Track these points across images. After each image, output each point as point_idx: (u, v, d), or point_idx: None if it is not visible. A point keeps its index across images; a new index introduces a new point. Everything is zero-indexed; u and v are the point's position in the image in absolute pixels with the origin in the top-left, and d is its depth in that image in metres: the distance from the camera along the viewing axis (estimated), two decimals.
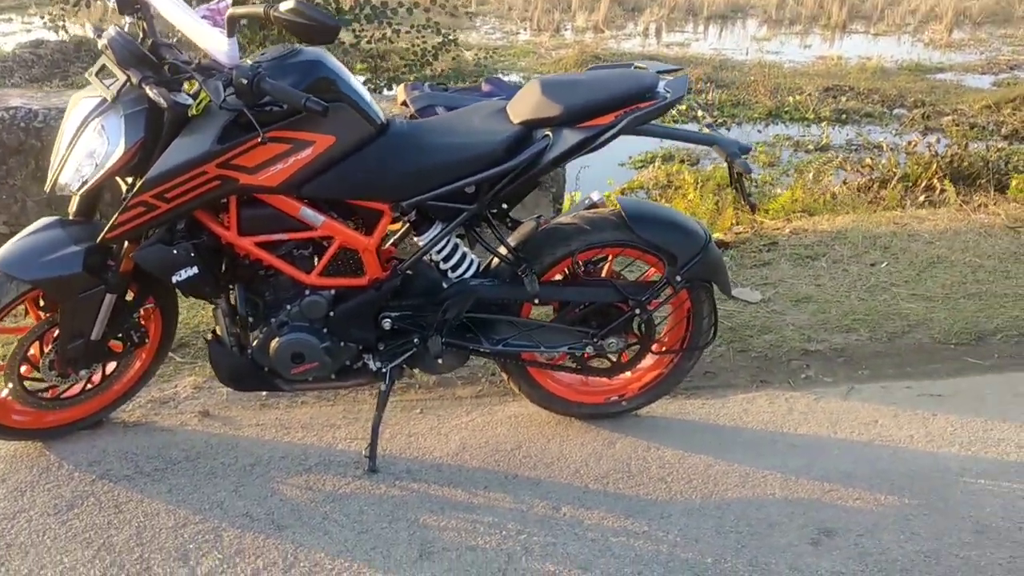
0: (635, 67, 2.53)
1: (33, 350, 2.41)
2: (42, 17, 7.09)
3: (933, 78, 11.58)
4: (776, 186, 7.12)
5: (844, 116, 9.64)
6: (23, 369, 2.41)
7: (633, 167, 7.51)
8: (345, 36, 5.89)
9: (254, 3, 2.10)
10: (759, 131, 9.28)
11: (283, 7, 1.97)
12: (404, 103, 3.99)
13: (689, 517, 2.35)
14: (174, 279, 2.28)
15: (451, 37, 5.96)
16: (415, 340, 2.49)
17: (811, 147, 8.47)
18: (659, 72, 2.45)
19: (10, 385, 2.40)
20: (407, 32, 5.82)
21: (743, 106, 10.03)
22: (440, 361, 2.53)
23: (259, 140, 2.08)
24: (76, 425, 2.58)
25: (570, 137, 2.31)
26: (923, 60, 12.79)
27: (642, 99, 2.35)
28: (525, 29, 15.23)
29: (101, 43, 2.17)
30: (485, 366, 3.02)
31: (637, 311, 2.56)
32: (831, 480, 2.52)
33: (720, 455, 2.63)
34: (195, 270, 2.29)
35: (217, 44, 2.10)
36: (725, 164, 2.50)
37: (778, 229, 4.61)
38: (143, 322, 2.55)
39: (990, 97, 10.11)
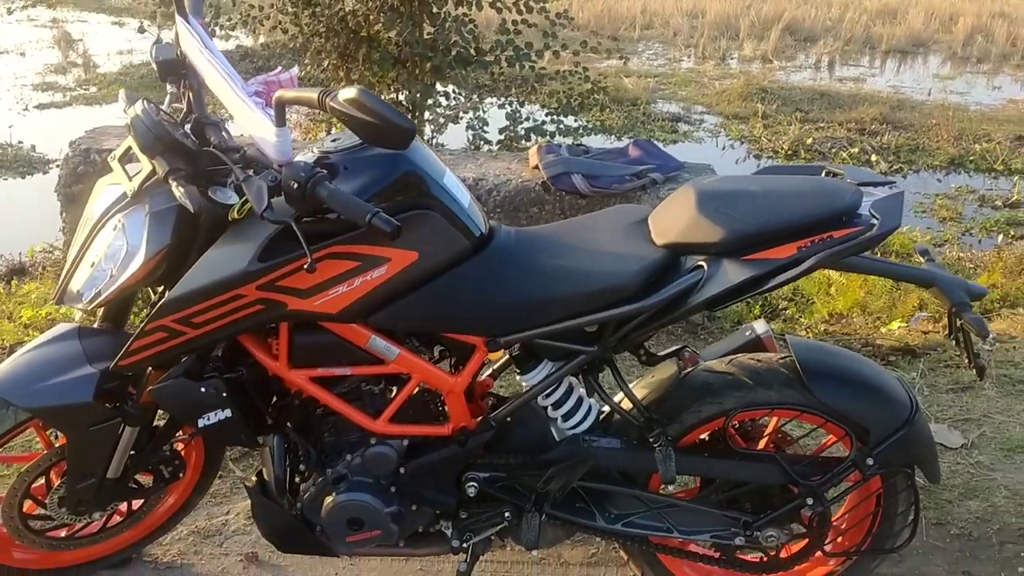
0: (826, 172, 1.87)
1: (40, 481, 1.96)
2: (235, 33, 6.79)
3: None
4: (953, 245, 6.22)
5: None
6: (26, 505, 1.97)
7: None
8: (483, 78, 5.37)
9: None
10: (939, 180, 8.31)
11: (343, 96, 1.43)
12: (536, 167, 3.46)
13: None
14: (200, 423, 1.78)
15: (600, 84, 5.33)
16: (506, 513, 1.91)
17: (999, 203, 7.47)
18: (861, 183, 1.79)
19: (7, 523, 1.96)
20: (551, 79, 5.25)
21: (922, 152, 9.04)
22: (537, 542, 1.93)
23: (305, 267, 1.54)
24: (98, 564, 2.14)
25: (732, 273, 1.67)
26: None
27: (838, 224, 1.69)
28: (689, 56, 14.47)
29: (127, 120, 1.69)
30: None
31: (808, 500, 1.89)
32: None
33: None
34: (227, 413, 1.78)
35: (265, 133, 1.59)
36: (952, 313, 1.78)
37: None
38: (180, 452, 2.07)
39: None
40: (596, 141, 7.68)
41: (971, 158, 8.78)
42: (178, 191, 1.57)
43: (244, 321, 1.69)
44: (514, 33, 4.99)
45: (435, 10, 4.91)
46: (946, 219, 7.10)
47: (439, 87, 5.28)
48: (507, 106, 5.39)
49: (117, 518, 2.10)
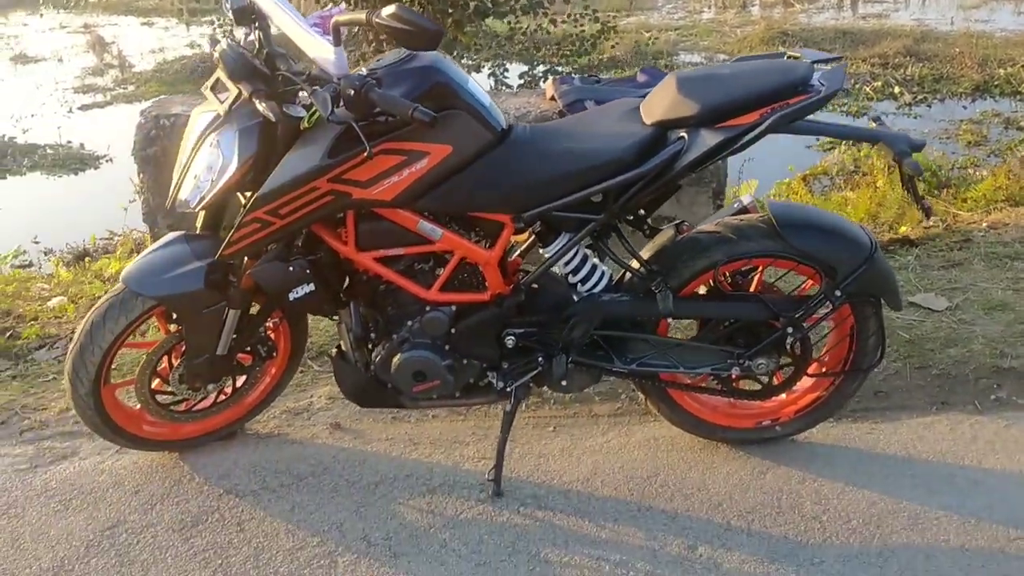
0: (788, 56, 2.25)
1: (163, 363, 2.43)
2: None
3: None
4: (981, 167, 6.46)
5: None
6: (154, 383, 2.43)
7: (821, 149, 6.95)
8: (500, 28, 5.77)
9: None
10: (964, 107, 8.48)
11: (384, 12, 1.85)
12: (552, 98, 3.85)
13: (844, 564, 2.07)
14: (291, 296, 2.22)
15: (610, 24, 5.71)
16: (539, 359, 2.33)
17: None
18: (815, 61, 2.16)
19: (140, 398, 2.43)
20: (563, 22, 5.63)
21: (946, 80, 9.19)
22: (566, 382, 2.35)
23: (365, 155, 1.97)
24: (210, 436, 2.59)
25: (708, 138, 2.06)
26: None
27: (793, 93, 2.07)
28: (709, 7, 14.68)
29: (215, 56, 2.13)
30: (626, 382, 2.81)
31: (789, 329, 2.28)
32: (1019, 526, 2.17)
33: (887, 491, 2.32)
34: (311, 287, 2.22)
35: (325, 53, 2.01)
36: (894, 164, 2.16)
37: (974, 223, 4.11)
38: (271, 335, 2.52)
39: None
40: None
41: (996, 83, 8.92)
42: (261, 106, 2.00)
43: (319, 211, 2.11)
44: None
45: None
46: (971, 143, 7.30)
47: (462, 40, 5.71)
48: (524, 52, 5.79)
49: (223, 397, 2.56)
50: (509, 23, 5.59)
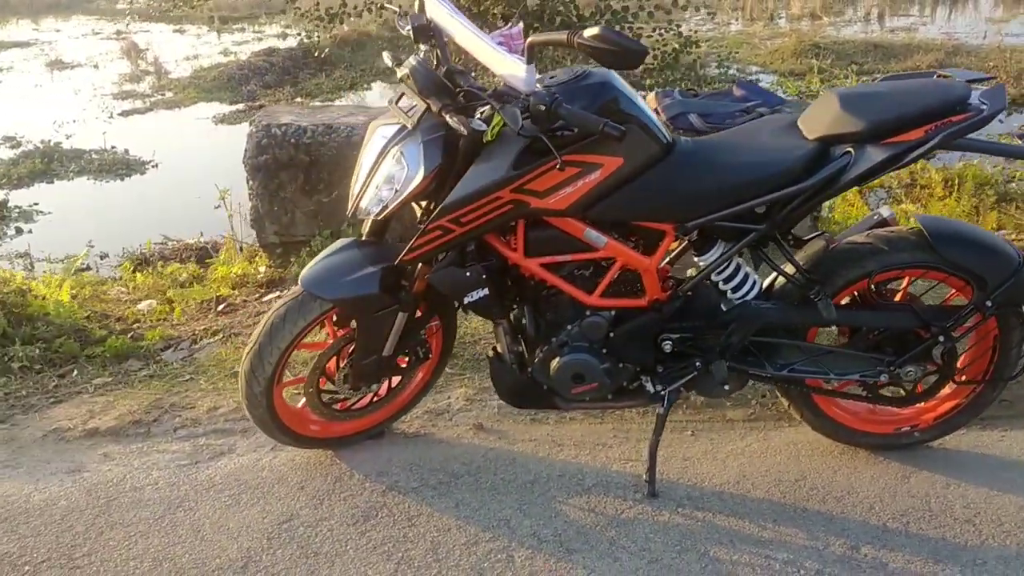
0: (937, 75, 2.35)
1: (330, 364, 2.52)
2: (295, 32, 7.52)
3: None
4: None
5: None
6: (320, 382, 2.53)
7: None
8: None
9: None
10: (1000, 121, 8.53)
11: (587, 33, 1.94)
12: (656, 111, 3.95)
13: (1007, 566, 2.15)
14: (465, 300, 2.32)
15: (693, 39, 5.83)
16: (696, 363, 2.42)
17: None
18: (969, 81, 2.26)
19: (308, 397, 2.53)
20: (648, 37, 5.75)
21: None
22: (727, 386, 2.44)
23: (556, 166, 2.07)
24: (362, 435, 2.69)
25: (875, 154, 2.16)
26: None
27: (953, 111, 2.17)
28: (737, 19, 14.78)
29: (401, 72, 2.23)
30: (755, 387, 2.90)
31: (940, 339, 2.37)
32: None
33: None
34: (484, 292, 2.31)
35: (514, 70, 2.11)
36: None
37: None
38: (428, 339, 2.62)
39: None
40: None
41: None
42: (452, 120, 2.09)
43: (498, 219, 2.21)
44: None
45: None
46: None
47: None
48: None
49: (377, 398, 2.65)
50: None
